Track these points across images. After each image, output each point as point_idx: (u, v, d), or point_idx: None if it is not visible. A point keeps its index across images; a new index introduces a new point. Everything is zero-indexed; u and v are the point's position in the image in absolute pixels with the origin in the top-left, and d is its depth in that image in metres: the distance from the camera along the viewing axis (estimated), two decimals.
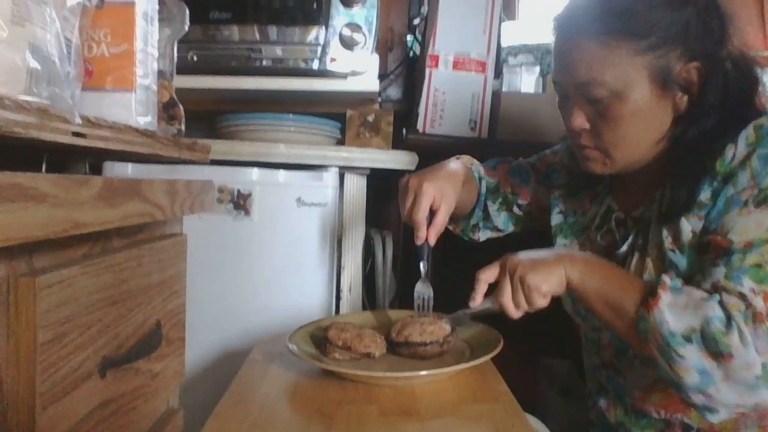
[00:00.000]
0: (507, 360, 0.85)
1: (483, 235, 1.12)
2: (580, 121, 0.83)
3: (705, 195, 0.77)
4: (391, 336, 0.86)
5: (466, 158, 1.09)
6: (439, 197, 0.89)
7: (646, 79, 0.78)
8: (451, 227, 1.11)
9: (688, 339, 0.69)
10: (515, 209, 1.09)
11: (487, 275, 0.82)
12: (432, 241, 0.90)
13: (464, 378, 0.82)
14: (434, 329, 0.85)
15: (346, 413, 0.71)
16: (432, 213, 0.90)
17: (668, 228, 0.81)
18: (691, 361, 0.69)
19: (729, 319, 0.67)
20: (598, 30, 0.78)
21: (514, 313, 0.80)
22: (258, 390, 0.78)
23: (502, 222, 1.10)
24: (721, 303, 0.69)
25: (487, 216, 1.09)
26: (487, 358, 0.81)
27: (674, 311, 0.70)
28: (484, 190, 1.08)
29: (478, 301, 0.83)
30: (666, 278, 0.73)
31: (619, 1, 0.78)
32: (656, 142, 0.82)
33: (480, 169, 1.09)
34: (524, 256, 0.80)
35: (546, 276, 0.77)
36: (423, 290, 0.93)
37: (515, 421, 0.70)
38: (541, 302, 0.78)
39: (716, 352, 0.67)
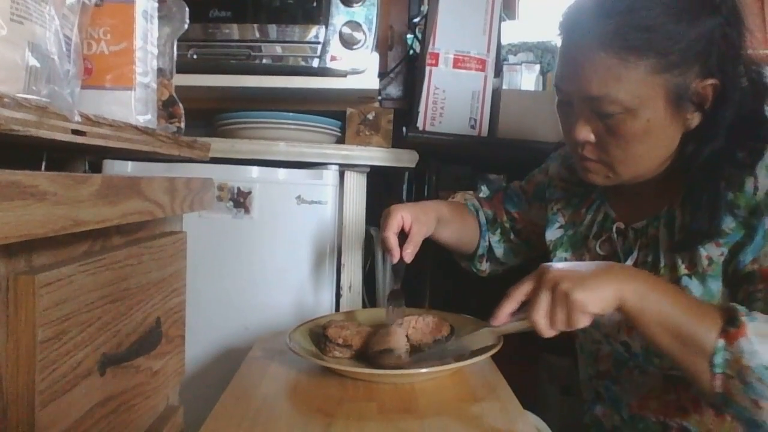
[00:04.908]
0: (507, 357, 0.85)
1: (488, 268, 1.12)
2: (584, 133, 0.79)
3: (728, 225, 0.74)
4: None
5: (460, 195, 1.11)
6: (408, 218, 0.91)
7: (662, 98, 0.74)
8: (463, 265, 1.14)
9: None
10: (513, 237, 1.09)
11: (520, 292, 0.73)
12: (408, 258, 0.90)
13: (464, 375, 0.82)
14: (393, 340, 0.81)
15: (346, 411, 0.71)
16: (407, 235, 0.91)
17: (684, 252, 0.78)
18: None
19: None
20: (615, 44, 0.72)
21: (548, 333, 0.70)
22: (258, 387, 0.78)
23: (503, 254, 1.10)
24: None
25: (490, 248, 1.10)
26: (488, 355, 0.81)
27: (764, 341, 0.63)
28: (483, 220, 1.09)
29: (501, 319, 0.75)
30: (736, 305, 0.67)
31: (641, 15, 0.71)
32: (664, 159, 0.80)
33: (475, 202, 1.11)
34: (566, 267, 0.70)
35: (596, 294, 0.67)
36: (394, 302, 0.94)
37: (515, 418, 0.70)
38: (584, 322, 0.68)
39: None
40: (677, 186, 0.82)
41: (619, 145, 0.77)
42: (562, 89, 0.81)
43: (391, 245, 0.89)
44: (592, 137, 0.79)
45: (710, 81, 0.74)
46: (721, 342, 0.65)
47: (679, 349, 0.67)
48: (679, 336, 0.67)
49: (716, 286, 0.76)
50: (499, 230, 1.09)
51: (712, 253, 0.76)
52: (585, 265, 0.72)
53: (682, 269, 0.78)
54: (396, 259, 0.90)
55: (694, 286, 0.76)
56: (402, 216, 0.91)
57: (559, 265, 0.72)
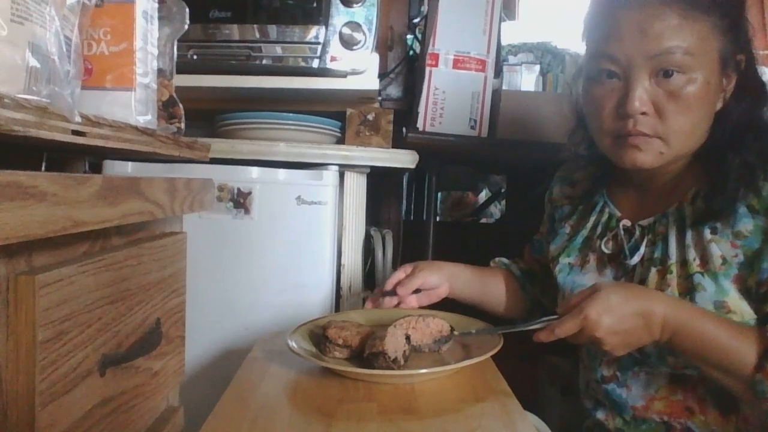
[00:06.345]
0: (508, 358, 0.85)
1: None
2: (641, 102, 0.77)
3: (745, 227, 0.75)
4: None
5: (492, 262, 1.15)
6: (410, 268, 0.98)
7: (716, 61, 0.77)
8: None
9: None
10: (549, 281, 1.08)
11: (563, 331, 0.74)
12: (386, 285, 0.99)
13: (465, 376, 0.82)
14: (387, 342, 0.79)
15: (346, 411, 0.71)
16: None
17: (696, 249, 0.79)
18: None
19: None
20: (682, 2, 0.75)
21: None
22: (258, 388, 0.78)
23: (550, 302, 1.08)
24: None
25: (538, 300, 1.10)
26: (488, 356, 0.81)
27: None
28: (517, 272, 1.11)
29: (542, 339, 0.76)
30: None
31: None
32: (703, 134, 0.81)
33: (504, 260, 1.14)
34: (610, 320, 0.72)
35: (632, 349, 0.75)
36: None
37: (516, 419, 0.70)
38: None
39: None
40: (687, 183, 0.83)
41: (680, 110, 0.77)
42: (619, 57, 0.78)
43: (390, 277, 0.98)
44: (646, 107, 0.77)
45: (739, 56, 0.79)
46: (759, 376, 0.70)
47: (720, 376, 0.74)
48: (716, 367, 0.73)
49: (729, 284, 0.76)
50: (537, 280, 1.09)
51: (727, 252, 0.76)
52: (629, 317, 0.72)
53: (694, 266, 0.78)
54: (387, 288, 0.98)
55: (707, 283, 0.77)
56: (405, 268, 0.98)
57: (603, 315, 0.72)
